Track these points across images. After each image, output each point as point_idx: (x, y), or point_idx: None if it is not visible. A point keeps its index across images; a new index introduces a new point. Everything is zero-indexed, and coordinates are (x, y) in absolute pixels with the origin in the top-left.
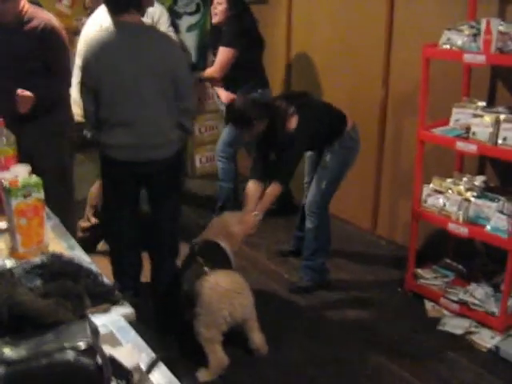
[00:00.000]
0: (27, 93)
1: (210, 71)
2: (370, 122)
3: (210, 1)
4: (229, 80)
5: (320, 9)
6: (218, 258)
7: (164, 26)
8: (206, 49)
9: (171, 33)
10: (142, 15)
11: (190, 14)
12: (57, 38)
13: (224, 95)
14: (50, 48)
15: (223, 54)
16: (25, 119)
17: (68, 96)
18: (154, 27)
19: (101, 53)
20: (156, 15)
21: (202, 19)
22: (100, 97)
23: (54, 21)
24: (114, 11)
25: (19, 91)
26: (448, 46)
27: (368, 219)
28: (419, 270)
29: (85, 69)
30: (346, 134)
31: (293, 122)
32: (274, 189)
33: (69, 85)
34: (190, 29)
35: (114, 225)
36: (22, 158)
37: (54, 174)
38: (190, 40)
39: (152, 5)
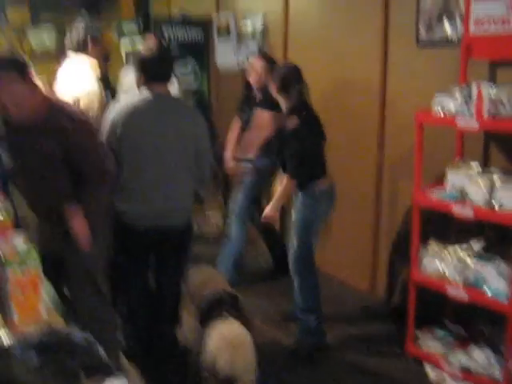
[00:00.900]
0: (78, 223)
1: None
2: (366, 184)
3: (208, 67)
4: None
5: (315, 67)
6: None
7: (174, 90)
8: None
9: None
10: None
11: (186, 75)
12: (81, 137)
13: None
14: (75, 150)
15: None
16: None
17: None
18: (179, 99)
19: (129, 117)
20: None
21: (200, 85)
22: (122, 161)
23: (79, 114)
24: (151, 80)
25: (74, 226)
26: (440, 111)
27: (366, 280)
28: (419, 333)
29: (112, 129)
30: (313, 189)
31: (292, 123)
32: (284, 182)
33: (106, 187)
34: (186, 94)
35: (128, 290)
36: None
37: (83, 280)
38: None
39: None
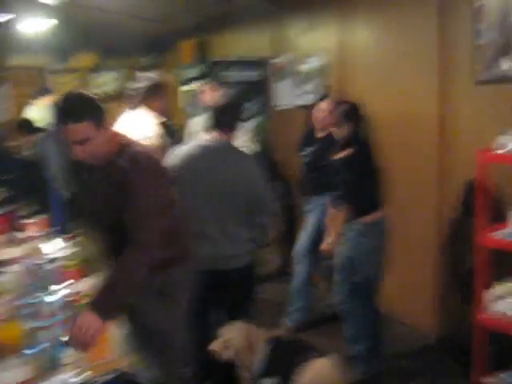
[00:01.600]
0: None
1: None
2: (426, 221)
3: (267, 108)
4: None
5: (373, 104)
6: None
7: (241, 138)
8: (263, 154)
9: (251, 143)
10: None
11: (245, 120)
12: (136, 176)
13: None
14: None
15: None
16: None
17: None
18: (235, 145)
19: (185, 163)
20: None
21: (259, 126)
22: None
23: (146, 154)
24: (212, 127)
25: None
26: (502, 149)
27: (428, 319)
28: (486, 380)
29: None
30: (365, 221)
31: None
32: (337, 212)
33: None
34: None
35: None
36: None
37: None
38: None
39: None
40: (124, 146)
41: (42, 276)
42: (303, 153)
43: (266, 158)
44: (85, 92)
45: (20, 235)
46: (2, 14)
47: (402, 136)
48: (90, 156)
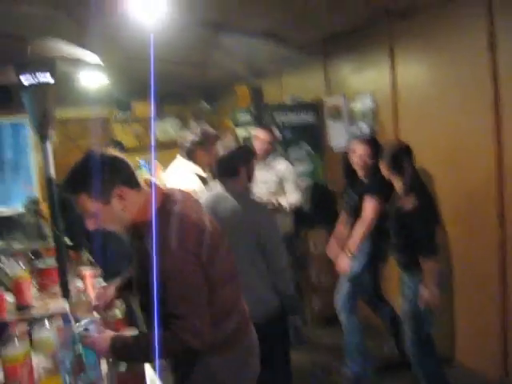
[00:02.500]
0: None
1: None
2: (488, 263)
3: (322, 149)
4: None
5: (426, 144)
6: None
7: (290, 183)
8: (319, 195)
9: (297, 191)
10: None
11: (301, 161)
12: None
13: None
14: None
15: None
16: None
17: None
18: (245, 194)
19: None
20: (281, 172)
21: (314, 166)
22: None
23: (179, 221)
24: (217, 176)
25: None
26: None
27: (496, 367)
28: None
29: None
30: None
31: (410, 203)
32: (429, 265)
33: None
34: (301, 176)
35: None
36: None
37: None
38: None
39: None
40: (163, 209)
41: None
42: (347, 198)
43: (327, 199)
44: (96, 155)
45: (77, 284)
46: (43, 74)
47: (457, 175)
48: (107, 226)
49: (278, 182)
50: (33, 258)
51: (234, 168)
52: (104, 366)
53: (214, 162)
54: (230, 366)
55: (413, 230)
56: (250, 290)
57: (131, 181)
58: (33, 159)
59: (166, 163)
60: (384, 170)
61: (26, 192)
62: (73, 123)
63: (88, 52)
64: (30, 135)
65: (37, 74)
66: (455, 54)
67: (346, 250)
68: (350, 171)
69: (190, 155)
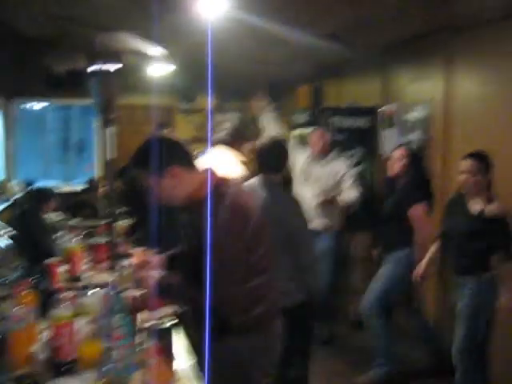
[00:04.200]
0: None
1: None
2: None
3: (374, 154)
4: None
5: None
6: None
7: (348, 181)
8: (368, 200)
9: (355, 187)
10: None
11: (354, 165)
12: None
13: None
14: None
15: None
16: None
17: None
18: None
19: None
20: (342, 170)
21: (365, 171)
22: None
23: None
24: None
25: None
26: None
27: None
28: None
29: None
30: (488, 276)
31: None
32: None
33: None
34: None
35: None
36: None
37: None
38: None
39: None
40: (217, 190)
41: (121, 301)
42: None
43: (370, 200)
44: (155, 138)
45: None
46: (109, 64)
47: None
48: (165, 201)
49: (335, 178)
50: (87, 233)
51: (273, 164)
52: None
53: (256, 156)
54: (256, 349)
55: (495, 235)
56: (281, 277)
57: (184, 161)
58: (97, 141)
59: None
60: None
61: (89, 172)
62: (139, 109)
63: (152, 46)
64: (95, 119)
65: (104, 63)
66: (509, 71)
67: None
68: (388, 181)
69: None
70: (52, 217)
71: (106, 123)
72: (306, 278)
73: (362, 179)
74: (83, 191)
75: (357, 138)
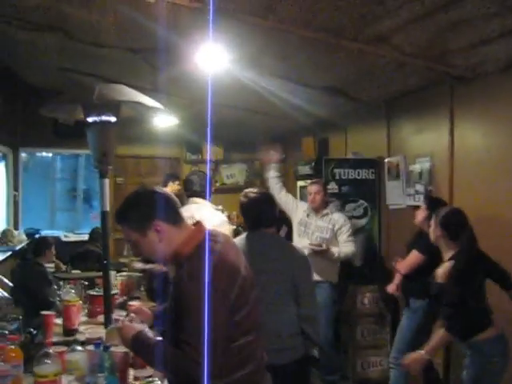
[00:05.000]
0: None
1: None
2: None
3: (379, 206)
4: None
5: (481, 207)
6: None
7: (345, 234)
8: (372, 252)
9: (351, 242)
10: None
11: (358, 217)
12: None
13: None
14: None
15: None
16: None
17: None
18: (279, 237)
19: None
20: (338, 224)
21: (370, 223)
22: None
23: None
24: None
25: None
26: None
27: None
28: None
29: None
30: (480, 341)
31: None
32: (440, 332)
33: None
34: (356, 232)
35: None
36: None
37: None
38: (356, 243)
39: None
40: (204, 246)
41: (108, 359)
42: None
43: (374, 253)
44: (141, 190)
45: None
46: (107, 115)
47: (507, 247)
48: (147, 256)
49: (332, 230)
50: (87, 284)
51: (269, 219)
52: None
53: (247, 213)
54: None
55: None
56: (279, 331)
57: (170, 217)
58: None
59: (231, 206)
60: (435, 235)
61: (96, 221)
62: (145, 160)
63: (149, 98)
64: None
65: (101, 115)
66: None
67: None
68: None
69: None
70: (53, 267)
71: (102, 174)
72: (309, 330)
73: (365, 231)
74: (89, 241)
75: (361, 189)
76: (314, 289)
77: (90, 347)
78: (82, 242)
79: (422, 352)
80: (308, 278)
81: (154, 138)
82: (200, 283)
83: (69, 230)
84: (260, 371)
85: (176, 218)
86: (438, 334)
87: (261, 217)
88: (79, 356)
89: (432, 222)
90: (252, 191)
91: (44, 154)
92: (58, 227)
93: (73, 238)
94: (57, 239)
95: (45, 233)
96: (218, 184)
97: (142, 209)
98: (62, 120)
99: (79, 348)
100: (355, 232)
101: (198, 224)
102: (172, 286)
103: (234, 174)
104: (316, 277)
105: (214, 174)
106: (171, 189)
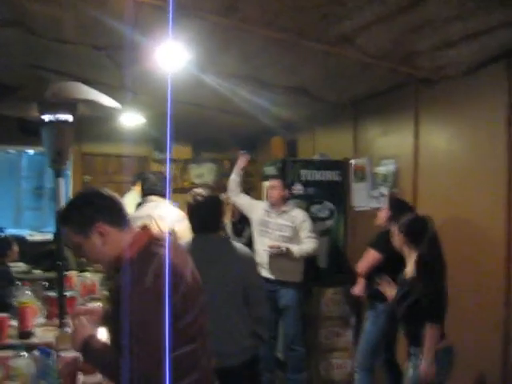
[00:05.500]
0: None
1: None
2: (490, 344)
3: (345, 208)
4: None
5: (442, 213)
6: None
7: (305, 231)
8: (338, 254)
9: (312, 238)
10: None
11: (323, 219)
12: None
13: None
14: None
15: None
16: None
17: None
18: (225, 239)
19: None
20: (298, 220)
21: (335, 225)
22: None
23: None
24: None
25: None
26: None
27: None
28: None
29: None
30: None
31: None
32: (429, 332)
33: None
34: (322, 234)
35: None
36: None
37: None
38: (321, 245)
39: None
40: (147, 250)
41: (51, 365)
42: None
43: (339, 254)
44: (86, 192)
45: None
46: (61, 114)
47: (467, 248)
48: (91, 259)
49: (292, 228)
50: (48, 286)
51: (216, 224)
52: None
53: (193, 216)
54: None
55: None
56: (231, 334)
57: (114, 219)
58: (68, 189)
59: None
60: (398, 240)
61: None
62: (113, 159)
63: (105, 96)
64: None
65: (57, 113)
66: (475, 124)
67: None
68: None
69: None
70: (13, 267)
71: (56, 174)
72: (260, 329)
73: (331, 233)
74: (54, 240)
75: (327, 191)
76: (263, 288)
77: (36, 352)
78: (48, 242)
79: (428, 360)
80: (256, 278)
81: (122, 137)
82: (141, 288)
83: (35, 228)
84: (205, 379)
85: (121, 221)
86: (427, 333)
87: (207, 220)
88: (23, 362)
89: (394, 230)
90: (200, 194)
91: (10, 151)
92: (24, 226)
93: (38, 237)
94: (20, 238)
95: (9, 232)
96: (186, 183)
97: (84, 211)
98: (31, 117)
99: (24, 353)
100: (320, 234)
101: (144, 228)
102: (114, 289)
103: (202, 173)
104: (280, 277)
105: (182, 174)
106: (140, 188)
